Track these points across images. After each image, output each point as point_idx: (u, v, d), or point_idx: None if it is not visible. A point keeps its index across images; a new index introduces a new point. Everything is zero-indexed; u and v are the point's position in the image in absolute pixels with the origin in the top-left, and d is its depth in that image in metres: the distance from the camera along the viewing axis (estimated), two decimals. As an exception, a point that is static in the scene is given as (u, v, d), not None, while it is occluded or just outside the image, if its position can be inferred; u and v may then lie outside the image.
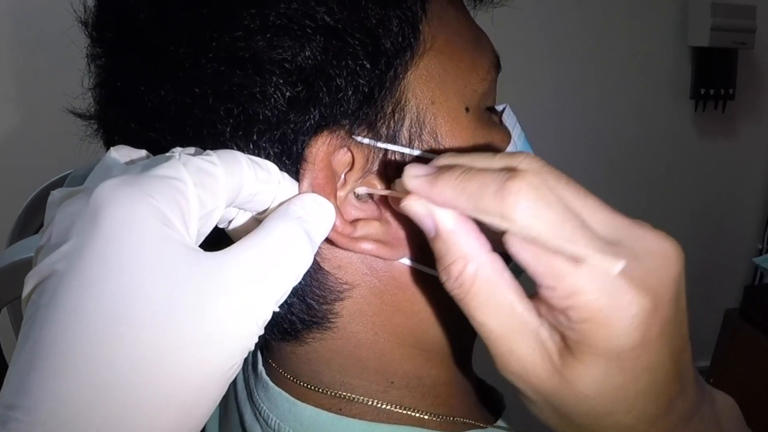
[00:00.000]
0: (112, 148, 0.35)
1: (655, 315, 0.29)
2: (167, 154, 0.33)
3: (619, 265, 0.28)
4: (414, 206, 0.33)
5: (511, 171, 0.30)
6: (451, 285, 0.33)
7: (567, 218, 0.30)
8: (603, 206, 0.31)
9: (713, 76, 1.87)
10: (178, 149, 0.34)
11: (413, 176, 0.33)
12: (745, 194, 2.07)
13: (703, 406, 0.36)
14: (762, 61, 1.94)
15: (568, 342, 0.31)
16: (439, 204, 0.32)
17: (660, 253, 0.30)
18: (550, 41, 1.68)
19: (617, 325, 0.29)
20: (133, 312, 0.26)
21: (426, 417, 0.44)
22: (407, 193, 0.34)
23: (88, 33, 0.41)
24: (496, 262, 0.33)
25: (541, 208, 0.29)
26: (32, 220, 0.83)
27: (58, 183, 0.85)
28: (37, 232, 0.85)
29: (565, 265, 0.29)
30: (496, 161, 0.32)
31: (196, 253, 0.29)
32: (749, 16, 1.79)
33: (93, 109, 0.42)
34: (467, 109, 0.40)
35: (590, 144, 1.85)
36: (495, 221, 0.30)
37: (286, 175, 0.35)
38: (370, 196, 0.39)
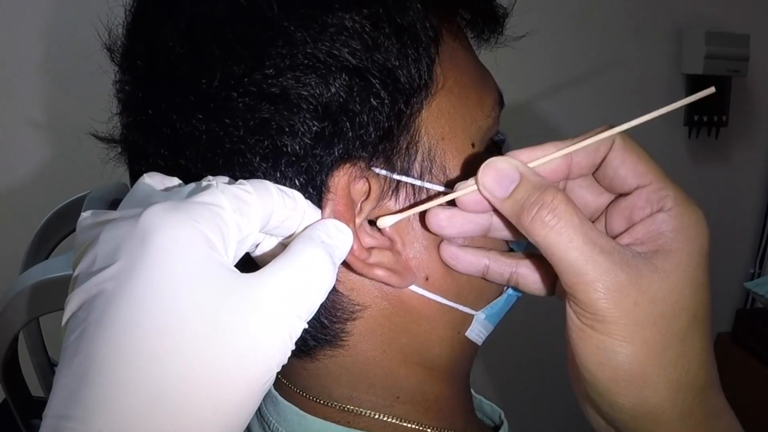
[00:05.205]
0: (145, 175, 0.37)
1: (705, 250, 0.38)
2: (203, 183, 0.35)
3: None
4: (499, 163, 0.38)
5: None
6: (541, 213, 0.36)
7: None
8: None
9: (707, 103, 1.88)
10: (212, 178, 0.36)
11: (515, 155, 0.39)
12: (738, 220, 2.08)
13: (726, 409, 0.40)
14: (755, 88, 1.96)
15: (662, 244, 0.37)
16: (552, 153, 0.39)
17: (697, 216, 0.39)
18: (544, 67, 1.71)
19: (699, 231, 0.38)
20: (182, 328, 0.28)
21: (429, 430, 0.46)
22: (448, 191, 0.40)
23: (114, 60, 0.43)
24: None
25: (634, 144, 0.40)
26: (47, 241, 0.85)
27: (72, 205, 0.86)
28: (50, 253, 0.87)
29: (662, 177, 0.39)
30: None
31: (237, 274, 0.31)
32: (743, 45, 1.81)
33: (117, 133, 0.44)
34: (473, 145, 0.43)
35: (586, 168, 1.87)
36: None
37: (309, 203, 0.38)
38: (379, 229, 0.41)
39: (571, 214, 0.36)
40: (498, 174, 0.38)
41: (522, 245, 0.47)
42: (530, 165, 0.38)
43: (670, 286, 0.36)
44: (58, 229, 0.85)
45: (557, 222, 0.36)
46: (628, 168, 0.39)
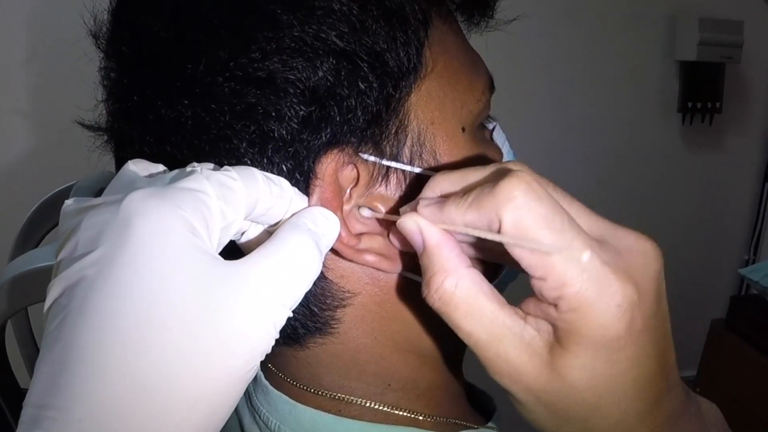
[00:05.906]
0: (130, 162, 0.37)
1: (639, 306, 0.31)
2: (187, 169, 0.34)
3: (586, 254, 0.30)
4: (407, 223, 0.35)
5: (503, 174, 0.32)
6: (432, 297, 0.34)
7: (556, 211, 0.31)
8: (587, 209, 0.33)
9: (701, 90, 1.89)
10: (197, 164, 0.36)
11: (424, 205, 0.35)
12: (732, 206, 2.09)
13: (690, 407, 0.38)
14: (749, 75, 1.97)
15: (558, 334, 0.32)
16: (447, 224, 0.34)
17: (641, 250, 0.32)
18: (540, 57, 1.71)
19: (604, 314, 0.30)
20: (164, 316, 0.28)
21: (421, 418, 0.46)
22: (398, 216, 0.36)
23: (100, 46, 0.42)
24: (474, 275, 0.34)
25: (531, 201, 0.31)
26: (34, 231, 0.85)
27: (59, 195, 0.86)
28: (37, 244, 0.86)
29: (557, 258, 0.30)
30: (488, 170, 0.34)
31: (220, 261, 0.30)
32: (736, 31, 1.81)
33: (103, 121, 0.43)
34: (463, 129, 0.42)
35: (580, 157, 1.87)
36: (492, 229, 0.32)
37: (296, 190, 0.37)
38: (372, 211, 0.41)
39: (454, 307, 0.34)
40: (408, 234, 0.36)
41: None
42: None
43: (567, 389, 0.32)
44: (44, 221, 0.85)
45: (444, 308, 0.34)
46: (517, 257, 0.32)
